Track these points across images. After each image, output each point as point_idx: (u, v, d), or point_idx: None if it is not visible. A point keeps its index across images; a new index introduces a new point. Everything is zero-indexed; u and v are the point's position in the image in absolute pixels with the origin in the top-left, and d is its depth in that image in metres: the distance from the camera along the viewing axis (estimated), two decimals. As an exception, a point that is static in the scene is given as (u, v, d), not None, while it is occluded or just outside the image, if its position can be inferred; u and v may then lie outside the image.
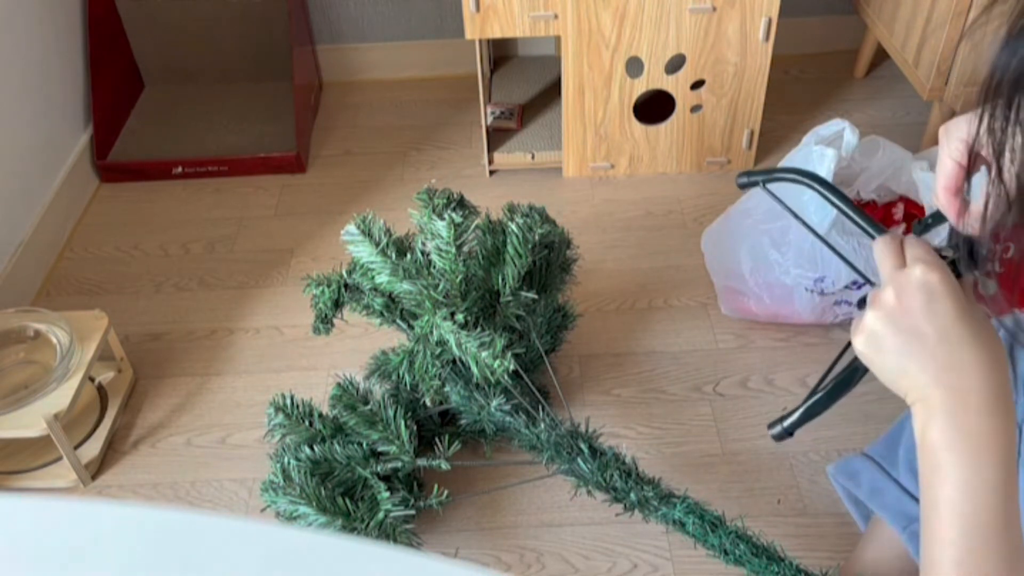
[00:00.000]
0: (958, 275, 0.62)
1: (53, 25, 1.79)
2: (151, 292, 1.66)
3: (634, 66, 1.69)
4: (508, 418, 1.17)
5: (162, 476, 1.35)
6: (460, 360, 1.17)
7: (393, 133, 2.05)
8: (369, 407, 1.20)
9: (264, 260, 1.72)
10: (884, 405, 1.37)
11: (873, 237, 0.65)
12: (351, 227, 1.18)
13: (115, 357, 1.45)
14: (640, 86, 1.72)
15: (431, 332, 1.14)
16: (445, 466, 1.17)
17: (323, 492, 1.10)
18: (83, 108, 1.90)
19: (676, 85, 1.72)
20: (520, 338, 1.26)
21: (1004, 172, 0.49)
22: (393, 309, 1.21)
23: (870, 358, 0.61)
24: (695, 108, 1.77)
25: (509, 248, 1.16)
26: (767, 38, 1.65)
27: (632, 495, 1.06)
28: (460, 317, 1.11)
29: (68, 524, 0.42)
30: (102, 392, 1.43)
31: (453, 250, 1.09)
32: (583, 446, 1.09)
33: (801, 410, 0.69)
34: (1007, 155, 0.49)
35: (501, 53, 2.19)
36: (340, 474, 1.15)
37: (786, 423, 0.70)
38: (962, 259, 0.61)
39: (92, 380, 1.44)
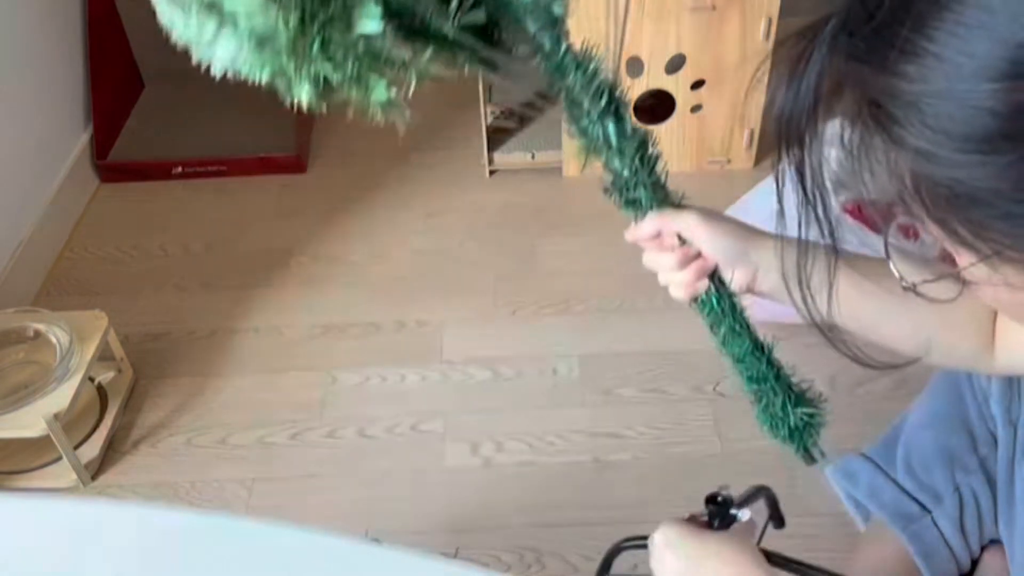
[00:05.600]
0: (727, 520, 0.76)
1: (53, 25, 1.79)
2: (151, 292, 1.66)
3: (634, 66, 1.69)
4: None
5: (162, 476, 1.35)
6: None
7: (393, 133, 2.04)
8: None
9: (264, 260, 1.72)
10: (883, 406, 1.37)
11: None
12: None
13: (115, 357, 1.45)
14: (640, 86, 1.72)
15: None
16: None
17: None
18: (83, 108, 1.90)
19: (676, 85, 1.72)
20: None
21: (808, 193, 0.50)
22: None
23: None
24: (695, 108, 1.77)
25: None
26: (767, 37, 1.65)
27: (639, 192, 0.76)
28: None
29: (68, 524, 0.42)
30: (102, 392, 1.43)
31: None
32: (611, 105, 0.74)
33: None
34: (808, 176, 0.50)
35: (501, 53, 2.18)
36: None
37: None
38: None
39: (92, 380, 1.44)
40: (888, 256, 0.54)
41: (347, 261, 1.71)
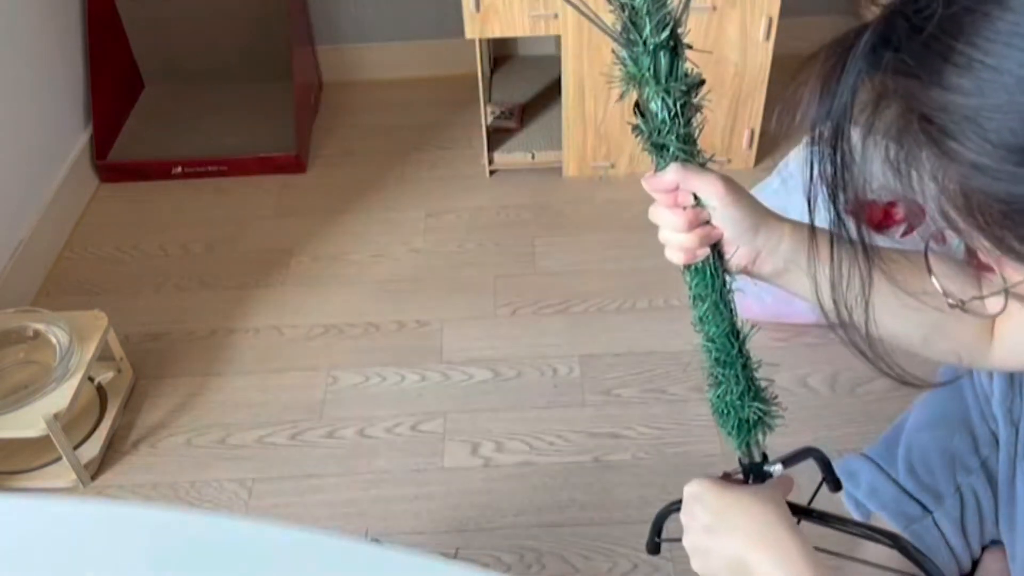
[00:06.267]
0: (761, 476, 0.78)
1: (53, 25, 1.79)
2: (151, 292, 1.66)
3: (634, 66, 1.69)
4: None
5: (162, 476, 1.35)
6: None
7: (393, 133, 2.04)
8: None
9: (264, 260, 1.72)
10: (883, 406, 1.37)
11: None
12: None
13: (115, 357, 1.45)
14: (640, 86, 1.72)
15: None
16: None
17: None
18: (83, 108, 1.90)
19: (676, 85, 1.72)
20: None
21: (839, 205, 0.50)
22: None
23: (702, 566, 0.73)
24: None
25: None
26: (767, 37, 1.65)
27: (670, 139, 0.72)
28: None
29: (68, 524, 0.42)
30: (102, 392, 1.43)
31: None
32: (671, 39, 0.70)
33: None
34: (840, 194, 0.50)
35: (501, 53, 2.18)
36: None
37: None
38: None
39: (92, 380, 1.44)
40: (931, 272, 0.53)
41: (347, 261, 1.71)
